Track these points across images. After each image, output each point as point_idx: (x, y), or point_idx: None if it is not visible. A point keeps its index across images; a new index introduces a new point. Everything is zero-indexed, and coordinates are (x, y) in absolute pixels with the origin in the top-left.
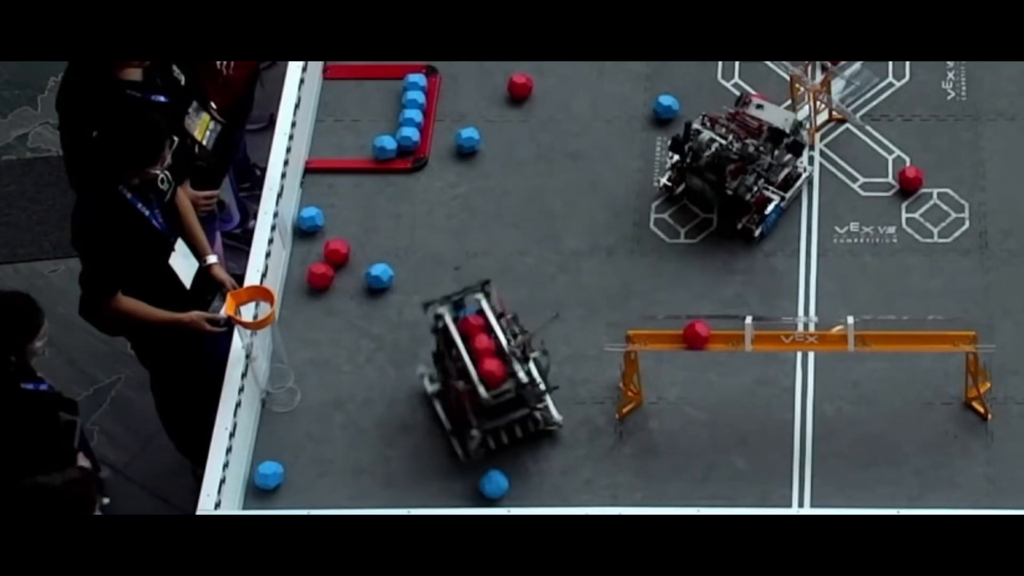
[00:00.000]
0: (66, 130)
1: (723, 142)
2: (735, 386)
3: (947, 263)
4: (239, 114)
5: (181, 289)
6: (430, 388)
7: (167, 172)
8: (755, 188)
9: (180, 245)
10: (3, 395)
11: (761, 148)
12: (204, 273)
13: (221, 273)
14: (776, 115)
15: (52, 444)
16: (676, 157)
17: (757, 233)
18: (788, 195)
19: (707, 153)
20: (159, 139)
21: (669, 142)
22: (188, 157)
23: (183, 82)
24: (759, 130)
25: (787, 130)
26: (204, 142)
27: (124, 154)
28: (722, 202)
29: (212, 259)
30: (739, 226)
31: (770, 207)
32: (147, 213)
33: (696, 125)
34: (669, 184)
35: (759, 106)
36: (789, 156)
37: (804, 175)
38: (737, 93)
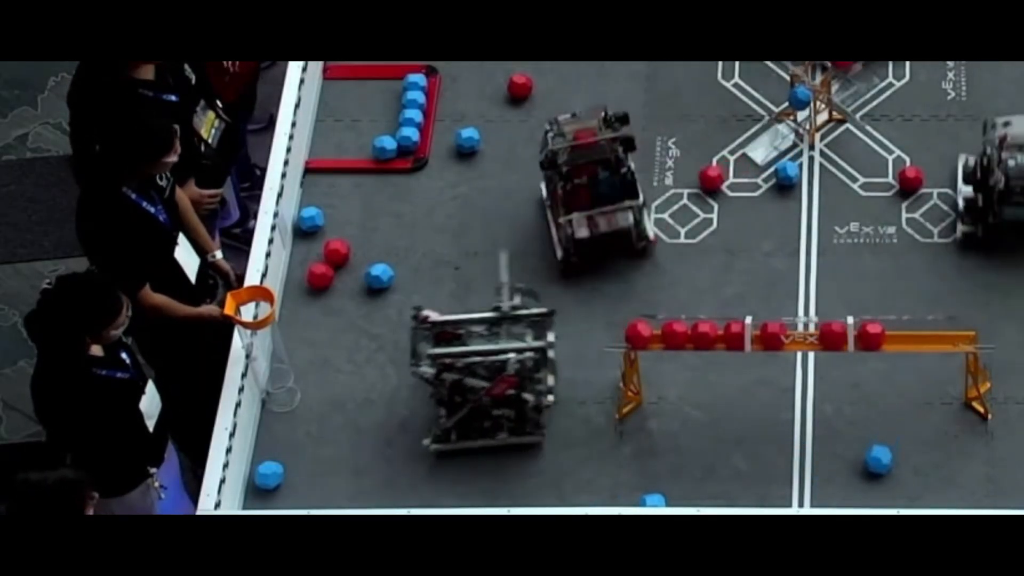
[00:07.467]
0: (76, 128)
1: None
2: (735, 386)
3: (947, 263)
4: (243, 110)
5: (187, 283)
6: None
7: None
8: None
9: (182, 239)
10: (75, 380)
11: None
12: (207, 267)
13: (225, 266)
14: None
15: (123, 431)
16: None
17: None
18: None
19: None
20: (168, 139)
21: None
22: (194, 156)
23: (193, 81)
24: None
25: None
26: (209, 140)
27: (133, 154)
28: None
29: (219, 255)
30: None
31: None
32: (152, 210)
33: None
34: None
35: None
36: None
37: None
38: (737, 93)
